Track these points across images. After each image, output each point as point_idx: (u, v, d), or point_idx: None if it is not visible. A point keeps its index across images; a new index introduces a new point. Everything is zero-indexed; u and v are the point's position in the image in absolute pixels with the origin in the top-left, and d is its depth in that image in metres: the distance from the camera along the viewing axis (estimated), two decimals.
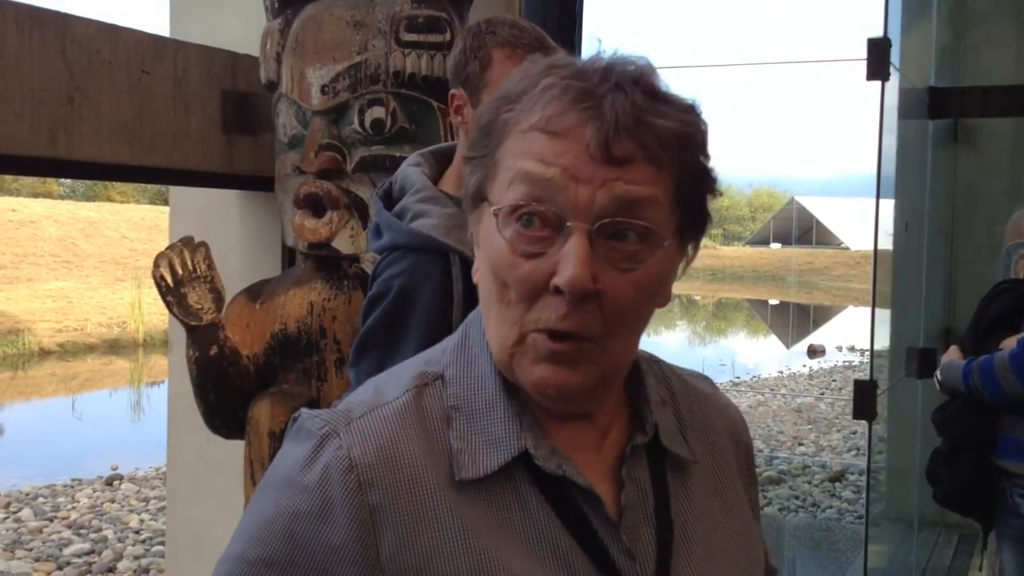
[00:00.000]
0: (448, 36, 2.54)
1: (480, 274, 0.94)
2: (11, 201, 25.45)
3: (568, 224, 0.86)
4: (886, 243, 4.57)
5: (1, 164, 2.10)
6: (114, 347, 18.37)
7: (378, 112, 2.51)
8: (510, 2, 3.26)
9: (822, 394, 13.37)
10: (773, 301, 35.88)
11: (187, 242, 2.38)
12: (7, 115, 2.08)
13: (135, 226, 27.21)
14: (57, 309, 19.19)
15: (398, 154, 2.51)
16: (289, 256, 2.94)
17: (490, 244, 0.90)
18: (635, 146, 0.87)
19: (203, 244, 2.42)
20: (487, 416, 0.93)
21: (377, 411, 0.91)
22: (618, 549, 0.93)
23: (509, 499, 0.92)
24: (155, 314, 18.44)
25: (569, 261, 0.86)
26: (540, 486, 0.92)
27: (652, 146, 0.87)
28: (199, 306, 2.38)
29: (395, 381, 0.95)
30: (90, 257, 24.34)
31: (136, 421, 13.21)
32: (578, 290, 0.85)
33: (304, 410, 0.95)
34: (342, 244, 2.54)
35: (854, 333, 18.94)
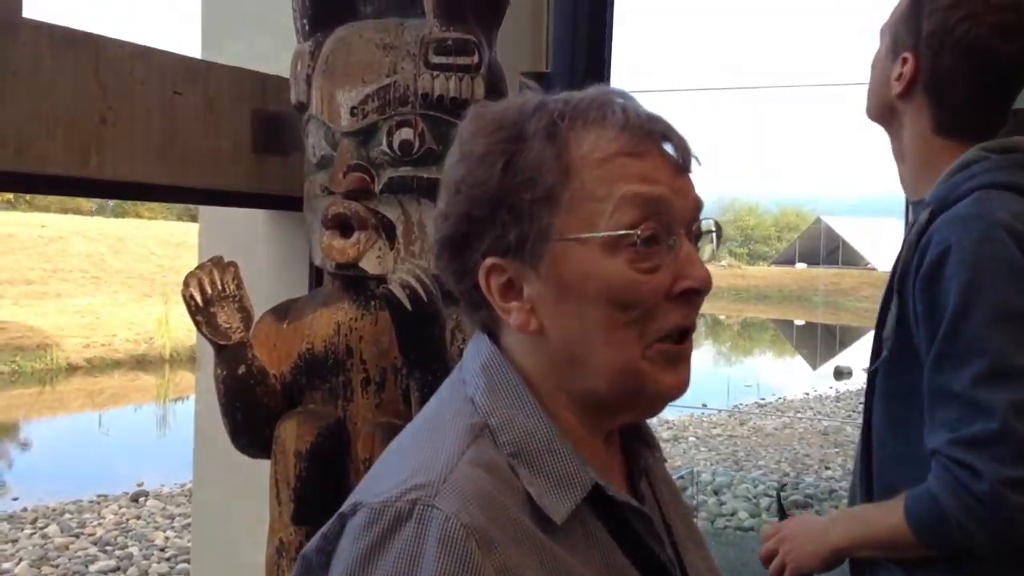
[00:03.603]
0: (476, 59, 2.55)
1: (568, 310, 0.95)
2: (41, 217, 25.74)
3: (675, 234, 0.92)
4: None
5: (34, 183, 2.12)
6: (141, 363, 18.51)
7: (406, 133, 2.52)
8: (537, 29, 3.28)
9: (849, 416, 13.27)
10: (799, 322, 35.69)
11: (217, 262, 2.40)
12: (40, 135, 2.10)
13: (163, 242, 27.46)
14: (85, 324, 19.37)
15: (426, 175, 2.52)
16: (317, 276, 2.96)
17: (595, 274, 0.93)
18: (689, 157, 0.96)
19: (232, 264, 2.43)
20: (547, 456, 0.94)
21: (456, 472, 0.89)
22: (671, 564, 0.97)
23: (579, 533, 0.94)
24: (181, 330, 18.58)
25: (694, 264, 0.94)
26: (600, 514, 0.94)
27: (692, 154, 0.97)
28: (228, 325, 2.39)
29: (442, 441, 0.94)
30: (118, 273, 24.57)
31: (162, 436, 13.29)
32: (710, 286, 0.91)
33: (359, 502, 0.89)
34: (369, 264, 2.54)
35: None
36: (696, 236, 0.96)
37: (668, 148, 0.95)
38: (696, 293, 0.94)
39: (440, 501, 0.85)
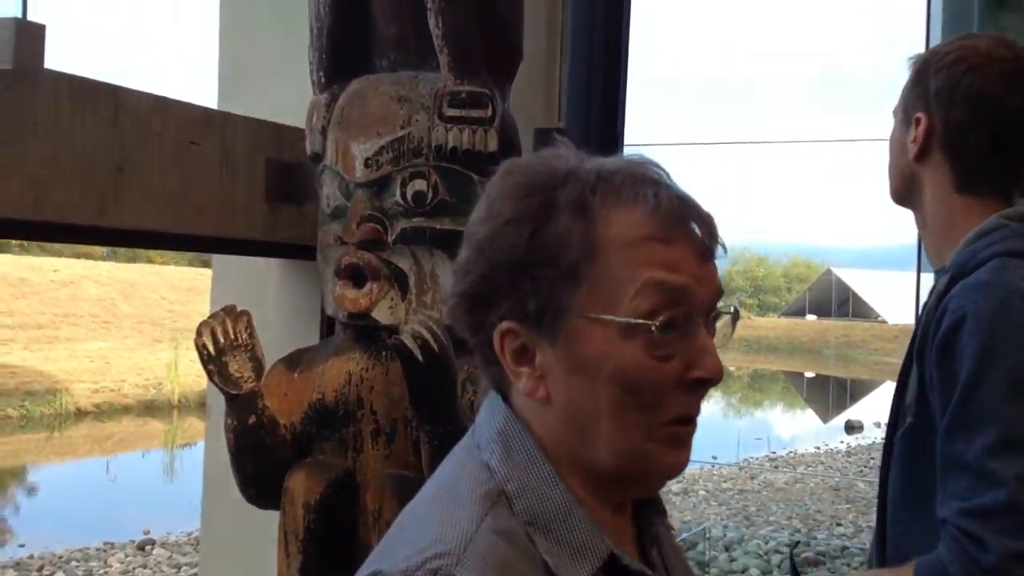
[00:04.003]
0: (490, 111, 2.57)
1: (578, 385, 0.95)
2: (54, 261, 25.88)
3: (693, 322, 0.92)
4: None
5: (52, 231, 2.14)
6: (149, 408, 18.49)
7: (420, 185, 2.54)
8: (550, 82, 3.31)
9: (860, 472, 13.15)
10: (809, 374, 35.50)
11: (230, 311, 2.41)
12: (58, 184, 2.12)
13: (174, 288, 27.55)
14: (95, 370, 19.38)
15: (438, 226, 2.53)
16: (328, 325, 2.96)
17: (610, 356, 0.93)
18: (716, 244, 0.97)
19: (245, 313, 2.44)
20: (564, 524, 0.94)
21: (476, 540, 0.90)
22: None
23: None
24: (190, 375, 18.57)
25: (708, 355, 0.94)
26: None
27: (719, 241, 0.98)
28: (239, 375, 2.39)
29: (459, 508, 0.94)
30: (128, 318, 24.63)
31: (169, 483, 13.23)
32: (721, 377, 0.92)
33: (378, 571, 0.90)
34: (381, 314, 2.55)
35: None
36: (713, 320, 0.96)
37: (696, 231, 0.95)
38: (707, 384, 0.94)
39: (461, 570, 0.85)
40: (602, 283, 0.93)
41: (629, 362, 0.92)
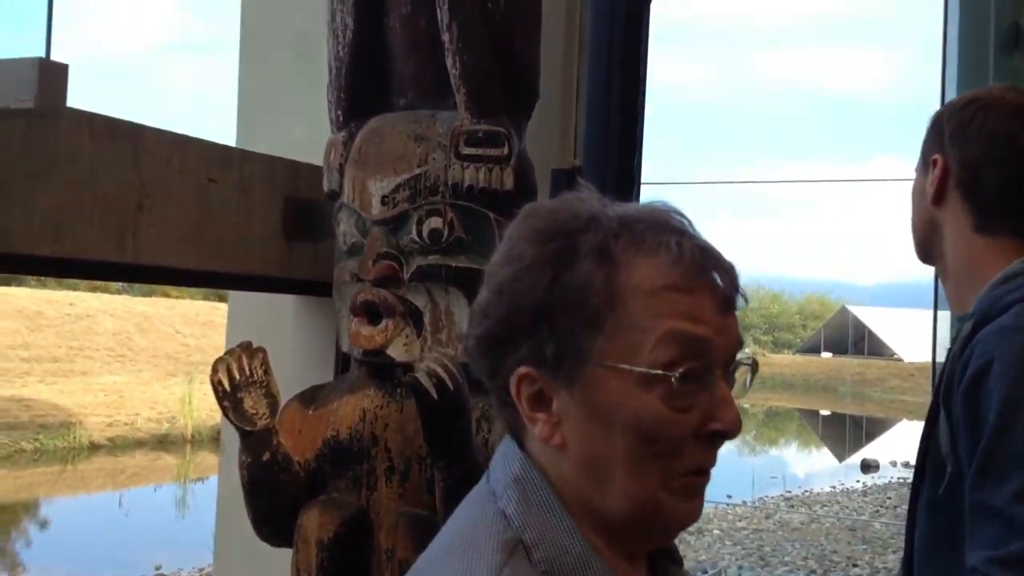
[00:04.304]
0: (506, 150, 2.59)
1: (594, 433, 0.94)
2: (70, 295, 26.00)
3: (712, 374, 0.92)
4: (943, 356, 4.48)
5: (71, 268, 2.16)
6: (163, 442, 18.50)
7: (436, 222, 2.55)
8: (566, 120, 3.32)
9: (876, 512, 13.02)
10: (824, 412, 35.26)
11: (245, 347, 2.41)
12: (79, 221, 2.14)
13: (188, 321, 27.63)
14: (109, 403, 19.42)
15: (454, 264, 2.54)
16: (343, 362, 2.96)
17: (628, 405, 0.93)
18: (736, 295, 0.97)
19: (261, 349, 2.44)
20: (581, 575, 0.93)
21: None
22: None
23: None
24: (204, 409, 18.59)
25: (726, 408, 0.93)
26: None
27: (740, 291, 0.98)
28: (254, 411, 2.39)
29: (477, 558, 0.94)
30: (143, 352, 24.70)
31: (181, 518, 13.20)
32: (739, 430, 0.91)
33: None
34: (396, 352, 2.55)
35: (909, 448, 18.49)
36: (732, 371, 0.96)
37: (718, 282, 0.95)
38: (724, 437, 0.94)
39: None
40: (622, 331, 0.92)
41: (647, 412, 0.91)
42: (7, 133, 1.96)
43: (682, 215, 0.98)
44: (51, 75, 1.63)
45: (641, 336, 0.92)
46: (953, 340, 1.80)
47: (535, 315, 0.95)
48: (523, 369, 0.96)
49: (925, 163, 1.89)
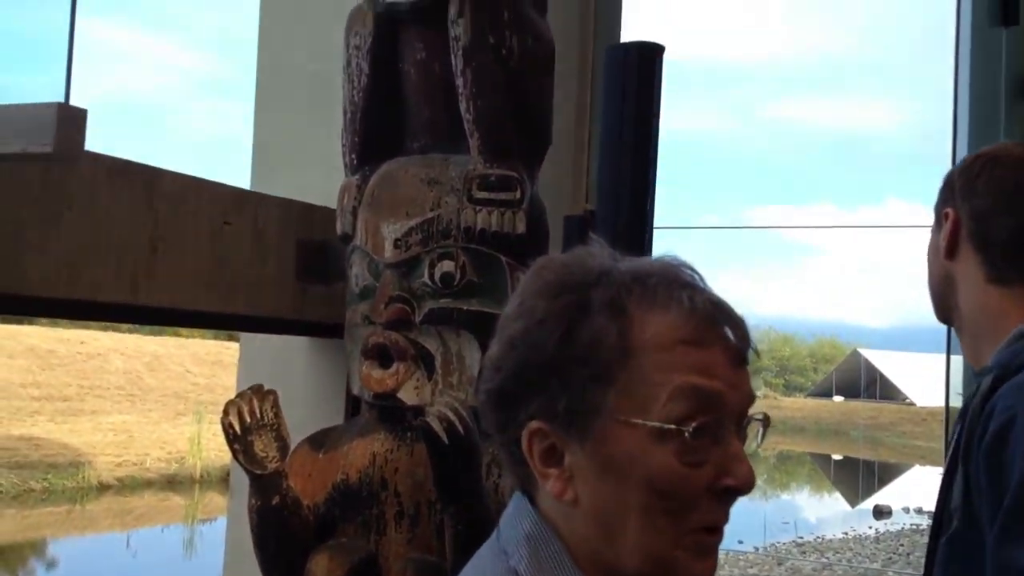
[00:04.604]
0: (518, 194, 2.60)
1: (607, 489, 0.94)
2: (81, 333, 26.07)
3: (725, 429, 0.91)
4: (956, 400, 4.45)
5: (85, 309, 2.17)
6: (171, 482, 18.44)
7: (448, 266, 2.55)
8: (578, 165, 3.35)
9: (890, 559, 12.87)
10: (837, 456, 34.96)
11: (257, 390, 2.41)
12: (93, 262, 2.15)
13: (199, 361, 27.65)
14: (118, 443, 19.40)
15: (466, 307, 2.54)
16: (354, 404, 2.96)
17: (641, 460, 0.92)
18: (748, 348, 0.97)
19: (272, 392, 2.44)
20: None
21: None
22: None
23: None
24: (213, 450, 18.54)
25: (740, 463, 0.93)
26: None
27: (752, 345, 0.98)
28: (264, 454, 2.39)
29: None
30: (153, 391, 24.70)
31: (188, 559, 13.13)
32: (752, 486, 0.90)
33: None
34: (407, 395, 2.55)
35: (922, 494, 18.33)
36: (744, 426, 0.95)
37: (730, 336, 0.95)
38: (737, 493, 0.93)
39: None
40: (635, 386, 0.92)
41: (660, 467, 0.91)
42: (25, 177, 1.98)
43: (693, 269, 0.98)
44: (70, 120, 1.65)
45: (654, 390, 0.91)
46: (971, 395, 1.78)
47: (547, 369, 0.94)
48: (535, 424, 0.95)
49: (938, 220, 1.90)
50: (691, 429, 0.90)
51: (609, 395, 0.92)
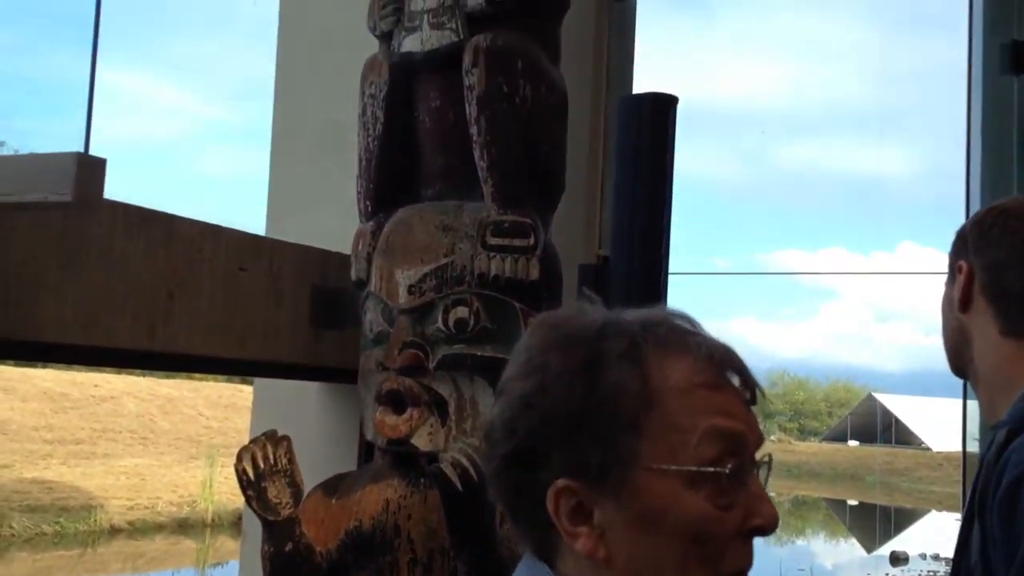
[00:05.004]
0: (532, 240, 2.61)
1: (642, 541, 0.92)
2: (94, 377, 26.12)
3: (748, 470, 0.92)
4: (972, 446, 4.41)
5: (101, 356, 2.18)
6: (183, 526, 18.36)
7: (462, 312, 2.56)
8: (591, 211, 3.37)
9: None
10: (852, 501, 34.60)
11: (270, 436, 2.42)
12: (110, 309, 2.17)
13: (212, 404, 27.64)
14: (130, 486, 19.35)
15: (479, 353, 2.54)
16: (367, 450, 2.95)
17: (677, 507, 0.91)
18: (756, 391, 0.98)
19: (285, 438, 2.45)
20: None
21: None
22: None
23: None
24: (224, 493, 18.46)
25: (765, 502, 0.93)
26: None
27: (759, 387, 0.99)
28: (278, 500, 2.38)
29: None
30: (166, 434, 24.68)
31: None
32: (777, 524, 0.91)
33: None
34: (420, 441, 2.54)
35: (939, 540, 18.11)
36: (757, 467, 0.95)
37: (739, 378, 0.96)
38: (764, 532, 0.93)
39: None
40: (663, 432, 0.91)
41: (695, 513, 0.90)
42: (44, 225, 2.00)
43: (688, 318, 0.98)
44: (89, 169, 1.67)
45: (682, 436, 0.91)
46: (987, 448, 1.77)
47: (571, 424, 0.92)
48: (561, 482, 0.92)
49: (952, 272, 1.89)
50: (728, 470, 0.90)
51: (638, 444, 0.91)
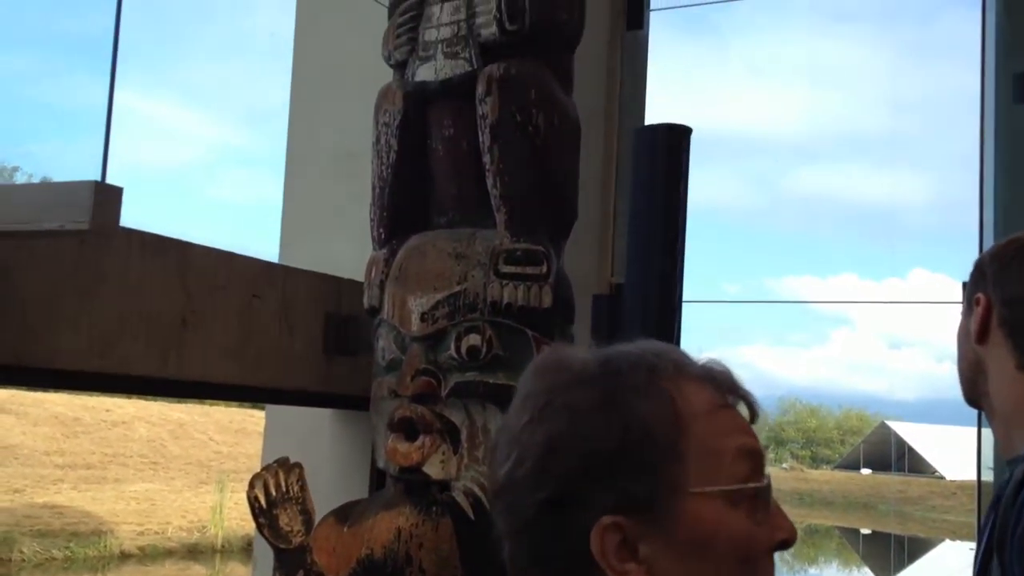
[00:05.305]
0: (544, 268, 2.61)
1: (693, 568, 0.91)
2: (106, 401, 26.16)
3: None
4: (987, 475, 4.38)
5: (116, 383, 2.19)
6: (192, 552, 18.32)
7: (474, 339, 2.56)
8: (604, 239, 3.38)
9: None
10: (865, 530, 34.34)
11: (282, 463, 2.42)
12: (124, 336, 2.18)
13: (222, 429, 27.63)
14: (141, 511, 19.33)
15: (492, 380, 2.54)
16: (378, 477, 2.95)
17: (723, 528, 0.92)
18: (758, 409, 1.00)
19: (297, 465, 2.45)
20: None
21: None
22: None
23: None
24: (234, 519, 18.43)
25: (784, 516, 0.94)
26: None
27: (757, 403, 1.00)
28: (289, 528, 2.38)
29: None
30: (176, 459, 24.68)
31: None
32: (796, 540, 0.94)
33: None
34: (432, 469, 2.54)
35: (951, 570, 17.96)
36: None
37: (736, 401, 0.98)
38: (786, 545, 0.94)
39: None
40: (698, 456, 0.92)
41: (740, 531, 0.91)
42: (60, 252, 2.02)
43: (677, 348, 1.01)
44: (106, 198, 1.69)
45: (715, 457, 0.92)
46: (1003, 485, 1.76)
47: (613, 460, 0.91)
48: (607, 519, 0.90)
49: (969, 304, 1.89)
50: (764, 484, 0.92)
51: (680, 470, 0.91)
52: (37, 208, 1.74)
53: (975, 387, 1.91)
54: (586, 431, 0.92)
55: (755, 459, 0.94)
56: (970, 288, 1.91)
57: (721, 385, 0.96)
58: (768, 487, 0.94)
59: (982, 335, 1.85)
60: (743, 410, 0.99)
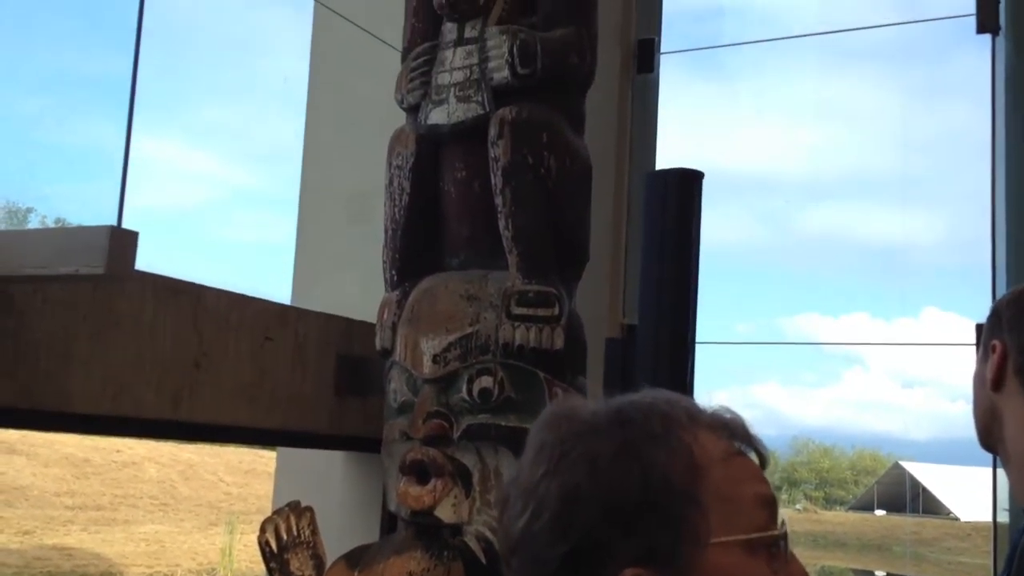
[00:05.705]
0: (556, 310, 2.61)
1: None
2: (116, 442, 26.12)
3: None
4: (1003, 516, 4.33)
5: (128, 426, 2.19)
6: None
7: (486, 381, 2.55)
8: (615, 280, 3.38)
9: None
10: (880, 573, 33.92)
11: (294, 507, 2.41)
12: (137, 380, 2.18)
13: (232, 469, 27.54)
14: (150, 553, 19.24)
15: (504, 423, 2.53)
16: (390, 520, 2.93)
17: None
18: (767, 454, 0.99)
19: (308, 509, 2.44)
20: None
21: None
22: None
23: None
24: (244, 561, 18.31)
25: (797, 563, 0.93)
26: None
27: (764, 448, 1.00)
28: (300, 573, 2.37)
29: None
30: (186, 500, 24.58)
31: None
32: None
33: None
34: (444, 512, 2.52)
35: None
36: None
37: (745, 447, 0.98)
38: None
39: None
40: (717, 504, 0.91)
41: None
42: (74, 297, 2.03)
43: (683, 396, 1.00)
44: (121, 243, 1.70)
45: (733, 505, 0.91)
46: (1019, 534, 1.75)
47: (636, 510, 0.90)
48: (631, 572, 0.89)
49: (985, 350, 1.87)
50: (782, 532, 0.91)
51: (701, 519, 0.90)
52: (53, 252, 1.75)
53: (990, 433, 1.89)
54: (605, 482, 0.91)
55: (772, 507, 0.93)
56: (986, 334, 1.90)
57: (734, 432, 0.96)
58: (786, 535, 0.92)
59: (998, 382, 1.83)
60: (754, 457, 0.98)
